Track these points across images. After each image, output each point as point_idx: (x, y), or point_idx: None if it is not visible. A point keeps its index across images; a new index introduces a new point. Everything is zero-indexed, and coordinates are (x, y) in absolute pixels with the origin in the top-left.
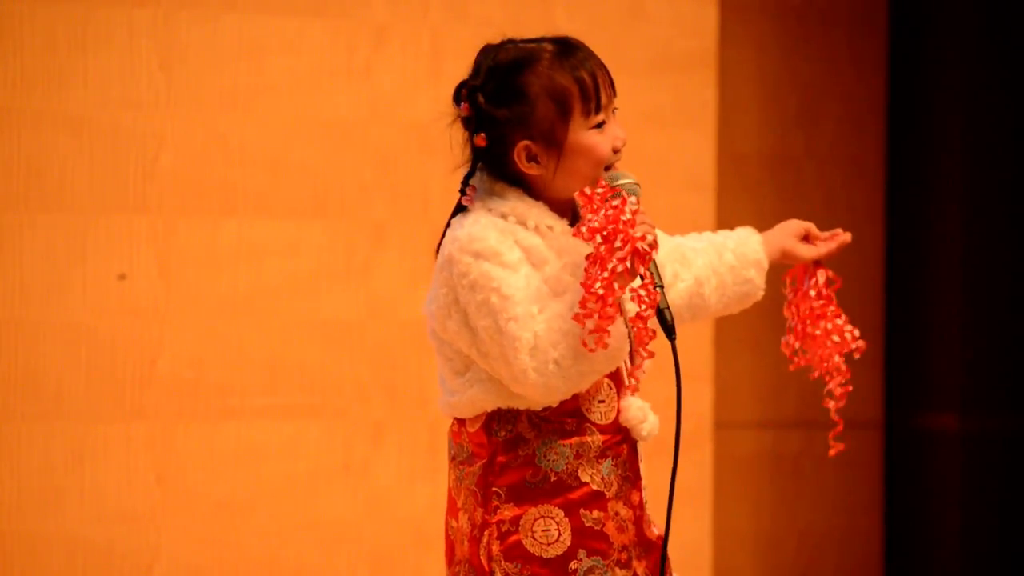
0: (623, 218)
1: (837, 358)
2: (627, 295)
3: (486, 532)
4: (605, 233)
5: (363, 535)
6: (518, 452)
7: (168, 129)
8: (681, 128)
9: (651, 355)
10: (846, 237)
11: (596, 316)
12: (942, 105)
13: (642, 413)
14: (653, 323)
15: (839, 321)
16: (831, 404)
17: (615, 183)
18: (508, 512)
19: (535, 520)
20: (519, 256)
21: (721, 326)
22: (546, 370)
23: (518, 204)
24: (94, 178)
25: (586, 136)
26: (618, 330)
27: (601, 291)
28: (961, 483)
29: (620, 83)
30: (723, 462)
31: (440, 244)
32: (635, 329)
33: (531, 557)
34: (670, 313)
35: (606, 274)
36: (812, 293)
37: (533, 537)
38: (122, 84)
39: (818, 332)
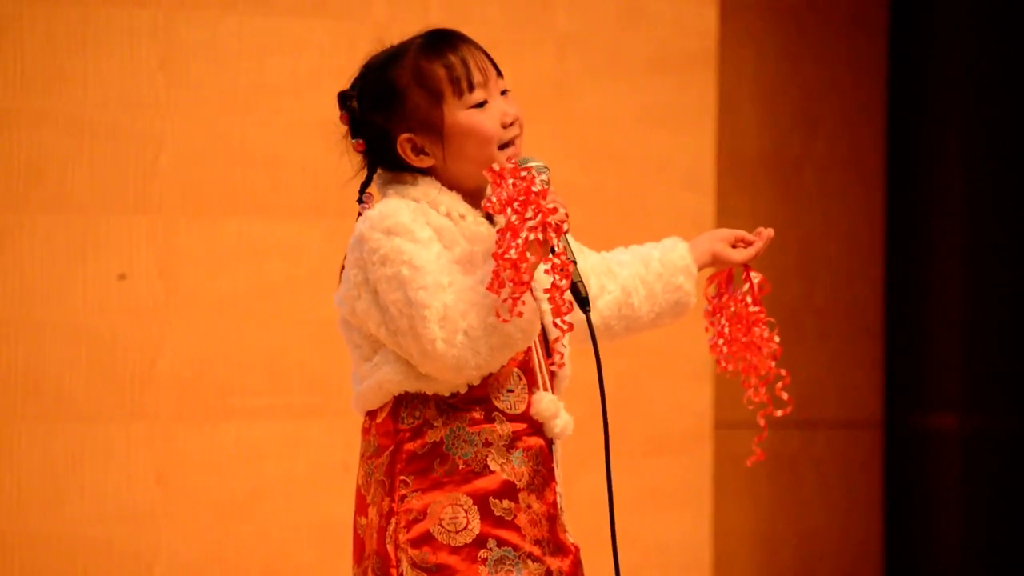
0: (534, 189)
1: (773, 363)
2: (541, 269)
3: (392, 520)
4: (516, 204)
5: None
6: (425, 439)
7: (168, 129)
8: (681, 128)
9: (570, 327)
10: (769, 232)
11: (510, 285)
12: (942, 105)
13: (554, 407)
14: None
15: (769, 328)
16: (778, 412)
17: (524, 165)
18: (416, 501)
19: (443, 508)
20: (430, 234)
21: None
22: (455, 340)
23: (429, 189)
24: (94, 178)
25: (465, 116)
26: (530, 305)
27: (515, 256)
28: (961, 483)
29: (620, 83)
30: (723, 462)
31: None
32: (551, 300)
33: (439, 545)
34: (584, 286)
35: (519, 242)
36: (748, 299)
37: (441, 524)
38: (122, 84)
39: (754, 339)
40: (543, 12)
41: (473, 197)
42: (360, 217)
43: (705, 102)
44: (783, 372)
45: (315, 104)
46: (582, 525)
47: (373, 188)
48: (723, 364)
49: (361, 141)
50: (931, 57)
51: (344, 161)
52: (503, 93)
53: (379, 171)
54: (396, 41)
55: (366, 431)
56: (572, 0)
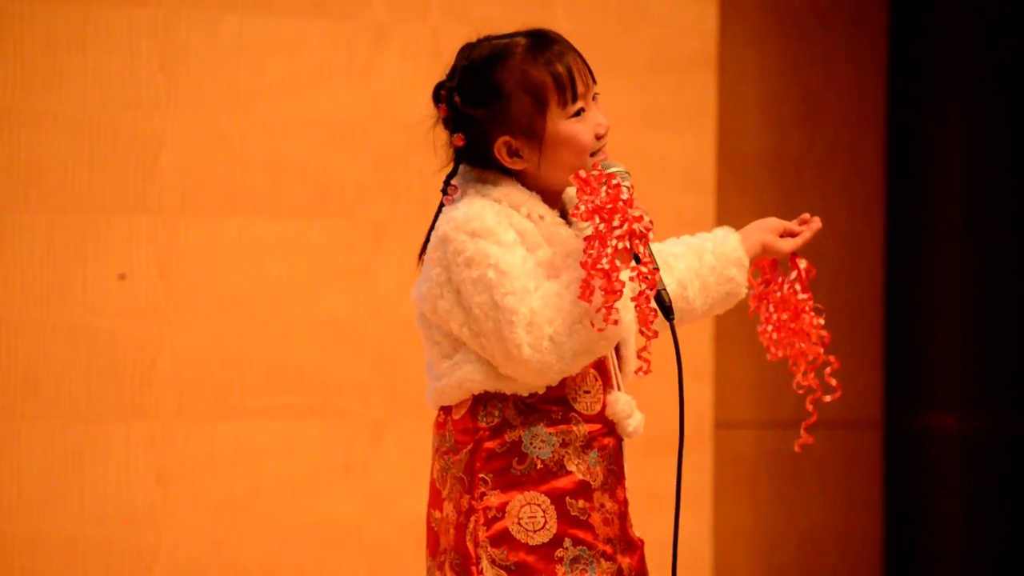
0: (622, 197)
1: (821, 349)
2: (625, 274)
3: (472, 518)
4: (603, 212)
5: (363, 535)
6: (504, 438)
7: (168, 129)
8: (681, 128)
9: (655, 335)
10: (816, 223)
11: (601, 293)
12: (942, 105)
13: (629, 408)
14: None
15: (817, 314)
16: (827, 397)
17: (608, 170)
18: (495, 499)
19: (521, 507)
20: (514, 237)
21: (721, 326)
22: (540, 346)
23: (511, 191)
24: (94, 178)
25: (565, 126)
26: (626, 311)
27: (607, 266)
28: (961, 483)
29: (620, 83)
30: (723, 462)
31: (425, 243)
32: (638, 308)
33: (517, 544)
34: (667, 294)
35: (609, 250)
36: (797, 287)
37: (519, 523)
38: (122, 84)
39: (803, 325)
40: (543, 12)
41: (552, 198)
42: (441, 214)
43: (705, 102)
44: (831, 358)
45: (315, 104)
46: None
47: (463, 176)
48: (772, 351)
49: (462, 136)
50: (931, 57)
51: (344, 161)
52: (594, 98)
53: (464, 167)
54: (395, 42)
55: (441, 425)
56: (572, 0)
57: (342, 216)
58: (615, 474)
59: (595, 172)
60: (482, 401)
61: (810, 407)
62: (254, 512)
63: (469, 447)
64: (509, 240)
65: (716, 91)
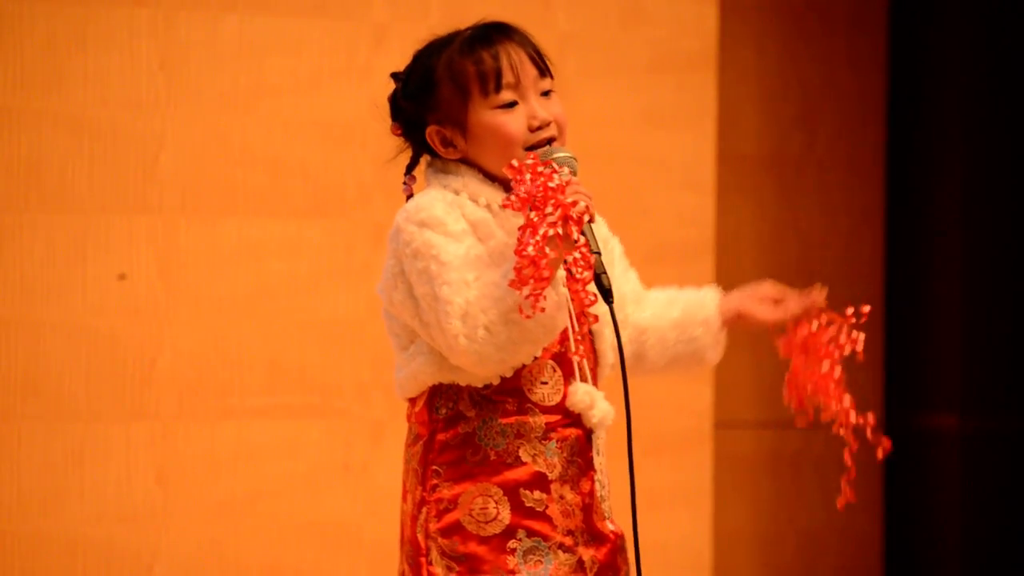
0: (551, 184)
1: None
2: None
3: (424, 509)
4: (535, 200)
5: (363, 535)
6: (458, 430)
7: (168, 129)
8: (681, 128)
9: (595, 319)
10: (818, 299)
11: (531, 281)
12: (942, 105)
13: (588, 398)
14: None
15: (834, 367)
16: (880, 452)
17: (547, 157)
18: (447, 490)
19: (474, 498)
20: (464, 228)
21: None
22: (476, 336)
23: (471, 181)
24: (94, 178)
25: (489, 116)
26: (552, 299)
27: (533, 253)
28: (961, 483)
29: (620, 83)
30: (723, 462)
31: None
32: (572, 292)
33: (468, 535)
34: (607, 277)
35: (538, 238)
36: (825, 339)
37: (471, 515)
38: (122, 84)
39: (823, 370)
40: (543, 12)
41: (508, 187)
42: (400, 209)
43: (705, 102)
44: (865, 418)
45: (315, 104)
46: None
47: (430, 166)
48: (795, 404)
49: (397, 125)
50: (931, 57)
51: (344, 161)
52: (545, 94)
53: (426, 158)
54: (395, 42)
55: (408, 417)
56: (572, 0)
57: (342, 216)
58: (578, 465)
59: (529, 161)
60: (438, 393)
61: (848, 460)
62: (254, 512)
63: (424, 439)
64: (456, 231)
65: (716, 91)
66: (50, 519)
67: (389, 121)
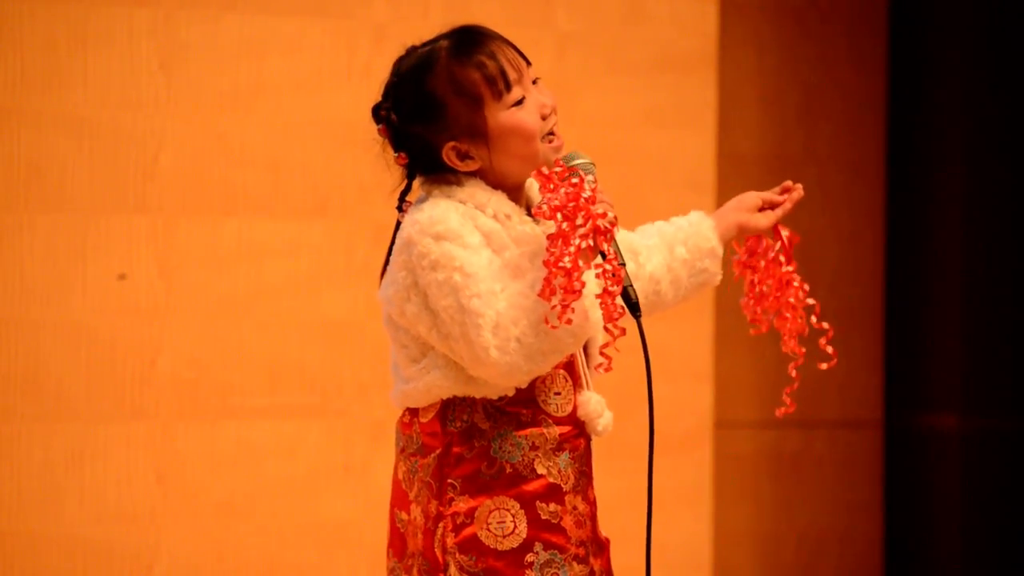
0: (583, 195)
1: (810, 320)
2: (591, 273)
3: (440, 524)
4: (566, 211)
5: (363, 535)
6: (473, 443)
7: (168, 129)
8: (681, 128)
9: (622, 332)
10: (798, 191)
11: (561, 292)
12: (942, 105)
13: (600, 408)
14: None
15: (802, 287)
16: (823, 365)
17: (571, 163)
18: (463, 504)
19: (490, 512)
20: (480, 239)
21: (721, 326)
22: (508, 348)
23: (475, 191)
24: (94, 178)
25: (506, 116)
26: (580, 310)
27: (568, 265)
28: (961, 483)
29: (620, 83)
30: (723, 462)
31: (390, 251)
32: (603, 306)
33: (486, 549)
34: (634, 291)
35: (571, 249)
36: (781, 259)
37: (488, 529)
38: (122, 84)
39: (791, 299)
40: (543, 12)
41: (517, 192)
42: (407, 216)
43: (705, 102)
44: (826, 325)
45: (315, 104)
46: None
47: (412, 196)
48: (757, 324)
49: (403, 155)
50: (931, 57)
51: (344, 161)
52: (534, 83)
53: (420, 176)
54: (395, 42)
55: (407, 426)
56: (572, 0)
57: (342, 216)
58: (586, 475)
59: (557, 169)
60: (450, 405)
61: (792, 373)
62: (254, 512)
63: (438, 452)
64: (474, 242)
65: (716, 91)
66: (50, 519)
67: (390, 154)
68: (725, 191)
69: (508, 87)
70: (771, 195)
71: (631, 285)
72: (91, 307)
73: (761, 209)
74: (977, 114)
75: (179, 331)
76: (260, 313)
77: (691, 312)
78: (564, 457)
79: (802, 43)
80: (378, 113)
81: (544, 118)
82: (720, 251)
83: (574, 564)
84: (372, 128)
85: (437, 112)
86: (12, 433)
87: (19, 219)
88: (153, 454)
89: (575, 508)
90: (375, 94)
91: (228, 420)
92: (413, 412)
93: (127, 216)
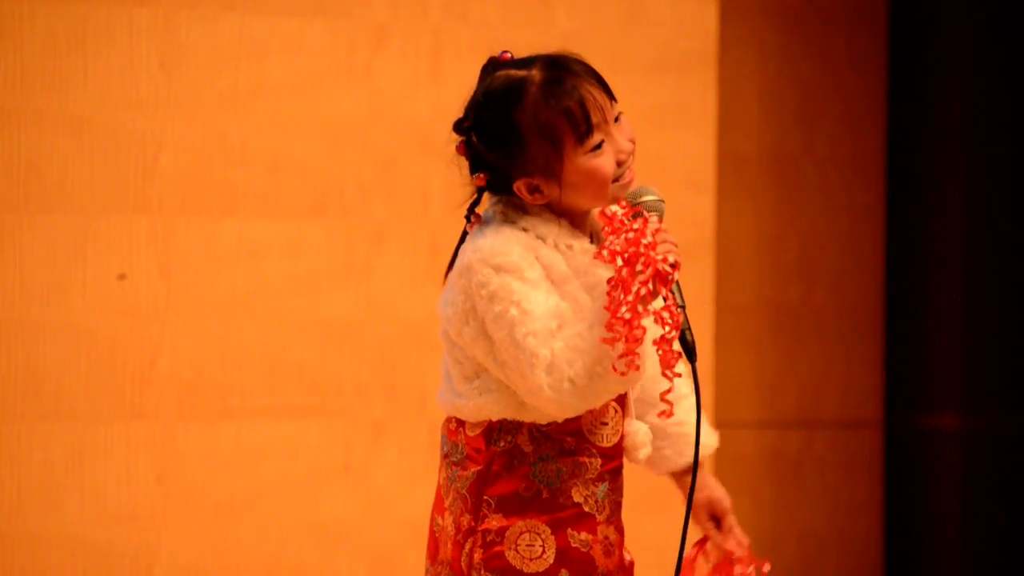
0: (644, 241)
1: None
2: (650, 318)
3: (470, 539)
4: (626, 256)
5: (363, 535)
6: (514, 464)
7: (168, 129)
8: (681, 128)
9: (678, 375)
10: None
11: (624, 340)
12: (942, 105)
13: (647, 439)
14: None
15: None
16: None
17: (637, 201)
18: (495, 522)
19: (520, 534)
20: (540, 273)
21: (721, 326)
22: (561, 388)
23: (538, 221)
24: (94, 178)
25: (584, 161)
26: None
27: (628, 316)
28: (961, 483)
29: (620, 83)
30: (723, 462)
31: (453, 258)
32: (661, 351)
33: (511, 570)
34: (691, 334)
35: (631, 298)
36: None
37: (517, 550)
38: (122, 84)
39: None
40: (543, 12)
41: (579, 219)
42: (468, 240)
43: (705, 102)
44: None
45: (315, 104)
46: None
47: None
48: None
49: (483, 176)
50: (931, 57)
51: (344, 161)
52: (616, 119)
53: (488, 194)
54: (395, 42)
55: (453, 433)
56: (572, 0)
57: (342, 216)
58: (618, 503)
59: (621, 208)
60: (498, 425)
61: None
62: (254, 512)
63: (478, 468)
64: (534, 277)
65: (716, 91)
66: (50, 519)
67: (466, 170)
68: (725, 191)
69: (589, 131)
70: (741, 536)
71: (689, 328)
72: (91, 307)
73: (719, 523)
74: (977, 114)
75: (179, 331)
76: (260, 313)
77: (691, 312)
78: (603, 488)
79: (802, 43)
80: (461, 128)
81: (620, 163)
82: (689, 464)
83: None
84: (378, 129)
85: (518, 147)
86: (12, 433)
87: (19, 219)
88: (153, 454)
89: (606, 538)
90: (375, 94)
91: (228, 420)
92: (461, 422)
93: (127, 216)
